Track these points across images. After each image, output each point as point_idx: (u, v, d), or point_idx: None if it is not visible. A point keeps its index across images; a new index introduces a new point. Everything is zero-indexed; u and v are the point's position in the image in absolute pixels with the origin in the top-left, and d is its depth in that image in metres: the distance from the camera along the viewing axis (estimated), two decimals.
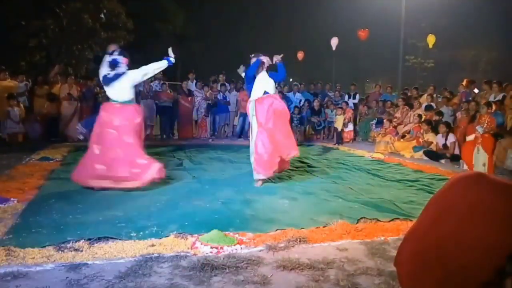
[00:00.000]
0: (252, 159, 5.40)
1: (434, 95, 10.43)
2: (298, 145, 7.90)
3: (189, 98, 10.75)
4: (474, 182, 1.68)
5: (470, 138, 7.20)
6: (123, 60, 5.03)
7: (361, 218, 3.94)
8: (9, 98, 8.83)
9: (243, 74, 5.97)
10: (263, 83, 5.42)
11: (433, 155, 7.94)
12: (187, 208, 4.21)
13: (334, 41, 16.65)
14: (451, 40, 24.09)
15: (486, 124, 6.87)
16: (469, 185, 1.67)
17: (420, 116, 9.21)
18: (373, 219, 3.93)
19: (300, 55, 20.29)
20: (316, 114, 11.33)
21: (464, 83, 10.39)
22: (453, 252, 1.53)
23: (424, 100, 10.07)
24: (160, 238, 3.28)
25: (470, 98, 9.22)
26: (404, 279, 1.68)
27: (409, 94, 11.46)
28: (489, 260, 1.45)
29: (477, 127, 6.99)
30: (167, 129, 10.85)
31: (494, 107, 7.36)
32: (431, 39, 17.04)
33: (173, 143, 9.81)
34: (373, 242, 3.36)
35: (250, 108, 5.43)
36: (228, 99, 11.27)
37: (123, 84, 4.98)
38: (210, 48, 27.11)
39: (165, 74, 10.83)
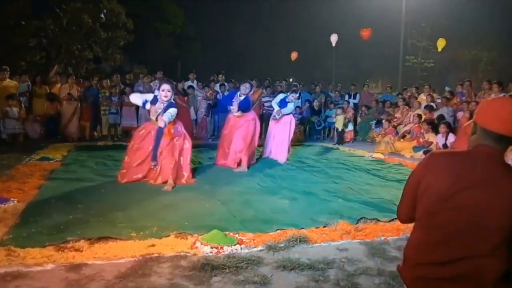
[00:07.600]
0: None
1: (433, 94, 10.42)
2: (298, 145, 7.93)
3: (185, 98, 10.71)
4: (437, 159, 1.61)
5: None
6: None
7: (361, 218, 3.94)
8: (8, 98, 8.81)
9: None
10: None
11: None
12: (187, 208, 4.22)
13: (334, 38, 16.74)
14: (451, 40, 24.10)
15: None
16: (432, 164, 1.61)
17: (420, 116, 9.20)
18: (373, 219, 3.93)
19: (294, 55, 20.39)
20: (316, 114, 11.32)
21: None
22: (455, 251, 1.52)
23: (423, 100, 10.07)
24: (160, 238, 3.27)
25: (464, 98, 9.24)
26: (411, 284, 1.65)
27: (408, 94, 11.44)
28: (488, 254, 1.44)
29: None
30: None
31: None
32: (441, 43, 16.98)
33: None
34: (373, 242, 3.36)
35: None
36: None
37: None
38: (210, 48, 27.12)
39: (165, 74, 10.80)
